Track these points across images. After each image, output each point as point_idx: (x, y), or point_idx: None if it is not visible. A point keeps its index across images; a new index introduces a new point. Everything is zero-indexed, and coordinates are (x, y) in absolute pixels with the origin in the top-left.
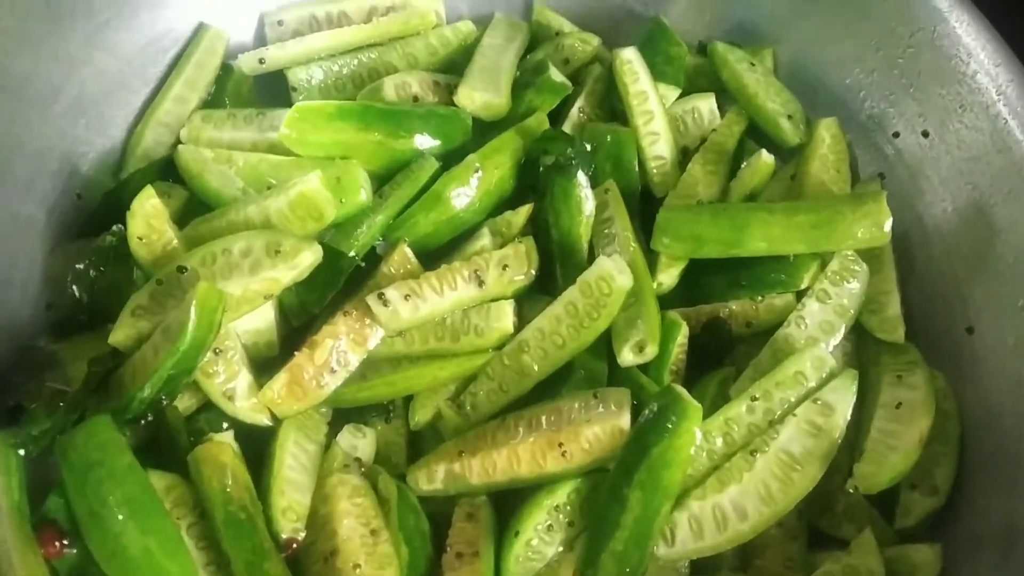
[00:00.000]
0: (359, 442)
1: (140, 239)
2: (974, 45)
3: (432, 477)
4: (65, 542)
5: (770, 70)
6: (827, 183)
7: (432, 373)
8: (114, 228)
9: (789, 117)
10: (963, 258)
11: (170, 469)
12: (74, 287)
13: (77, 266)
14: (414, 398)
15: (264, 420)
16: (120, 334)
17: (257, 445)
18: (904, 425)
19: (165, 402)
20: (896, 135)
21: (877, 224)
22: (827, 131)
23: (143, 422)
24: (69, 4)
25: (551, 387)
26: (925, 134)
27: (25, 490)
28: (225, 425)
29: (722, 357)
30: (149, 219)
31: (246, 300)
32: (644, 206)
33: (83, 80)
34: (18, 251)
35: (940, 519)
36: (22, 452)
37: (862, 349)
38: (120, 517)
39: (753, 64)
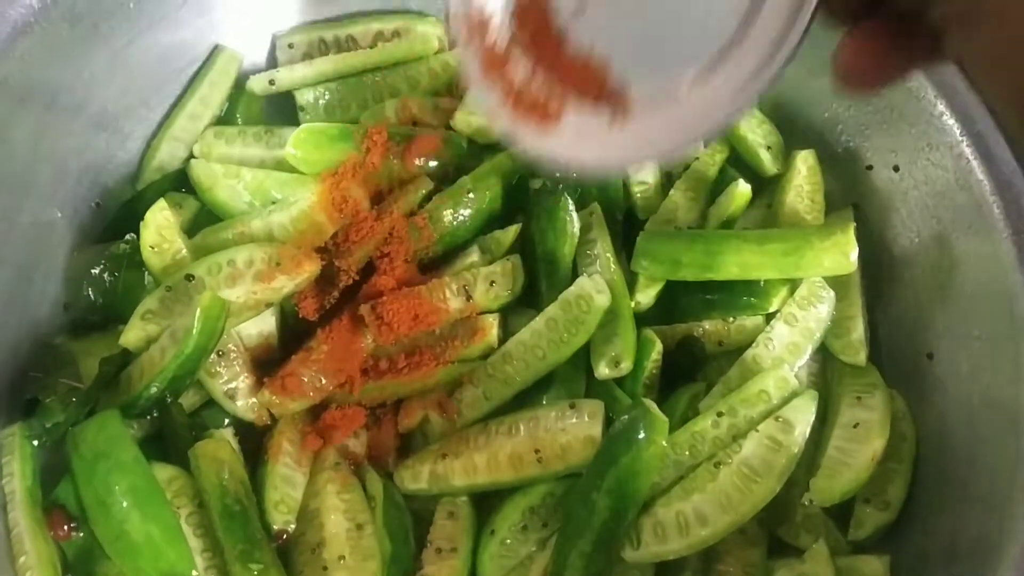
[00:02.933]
0: (351, 442)
1: (152, 248)
2: (940, 84)
3: (417, 477)
4: (73, 526)
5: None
6: (801, 212)
7: (420, 380)
8: (128, 237)
9: (768, 148)
10: (926, 287)
11: (172, 461)
12: (90, 290)
13: (93, 271)
14: (403, 403)
15: (262, 418)
16: (131, 335)
17: (255, 440)
18: (859, 444)
19: (169, 399)
20: (870, 168)
21: (844, 254)
22: (803, 163)
23: (149, 417)
24: (94, 28)
25: (531, 396)
26: (896, 169)
27: (38, 477)
28: (226, 421)
29: (694, 373)
30: (161, 229)
31: (248, 307)
32: (627, 228)
33: (105, 97)
34: (40, 253)
35: (891, 533)
36: (36, 442)
37: (827, 369)
38: (124, 505)
39: None
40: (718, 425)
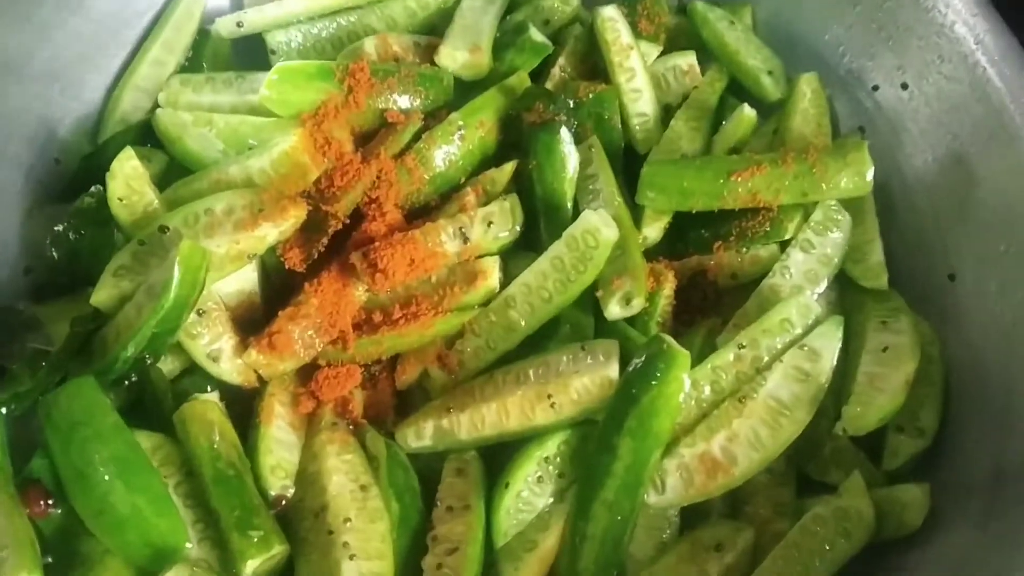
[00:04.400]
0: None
1: (120, 200)
2: None
3: (420, 434)
4: (50, 502)
5: (749, 27)
6: (808, 137)
7: (418, 332)
8: (93, 189)
9: (770, 73)
10: (944, 207)
11: (155, 430)
12: (53, 249)
13: (56, 228)
14: (400, 357)
15: (250, 381)
16: (102, 294)
17: (242, 406)
18: (890, 368)
19: (149, 361)
20: (876, 88)
21: (859, 173)
22: (808, 86)
23: (127, 383)
24: None
25: (538, 343)
26: (904, 86)
27: (7, 451)
28: (210, 388)
29: (707, 310)
30: (129, 180)
31: (230, 259)
32: (627, 163)
33: (56, 44)
34: None
35: (927, 462)
36: (4, 410)
37: (846, 297)
38: (107, 476)
39: (733, 22)
40: (740, 358)
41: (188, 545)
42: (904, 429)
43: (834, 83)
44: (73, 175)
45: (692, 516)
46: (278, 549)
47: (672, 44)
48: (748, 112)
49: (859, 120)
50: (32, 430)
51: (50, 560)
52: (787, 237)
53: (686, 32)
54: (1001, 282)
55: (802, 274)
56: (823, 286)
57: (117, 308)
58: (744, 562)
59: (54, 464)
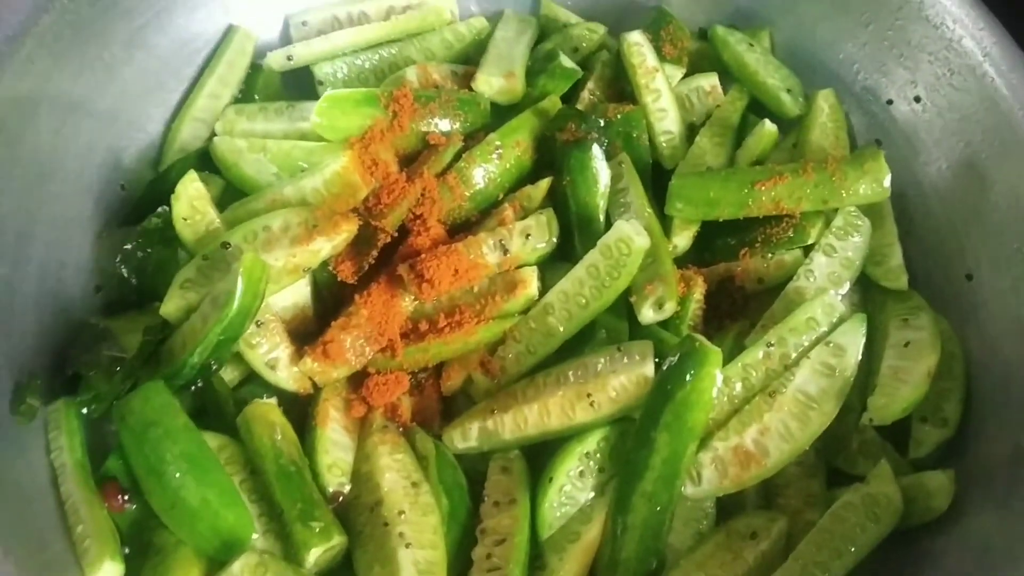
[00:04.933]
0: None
1: (184, 219)
2: (958, 12)
3: (467, 435)
4: (126, 497)
5: (767, 49)
6: (827, 149)
7: (462, 339)
8: (159, 210)
9: (788, 91)
10: (959, 210)
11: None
12: (122, 267)
13: (125, 247)
14: (445, 364)
15: (305, 388)
16: (170, 305)
17: (298, 412)
18: (913, 361)
19: (215, 368)
20: (890, 103)
21: (877, 180)
22: (825, 101)
23: (192, 388)
24: (111, 10)
25: (576, 347)
26: (917, 99)
27: (86, 451)
28: (267, 394)
29: (736, 313)
30: (192, 200)
31: (287, 272)
32: (655, 178)
33: (124, 81)
34: (70, 237)
35: (951, 451)
36: (84, 411)
37: (868, 299)
38: (178, 473)
39: (752, 44)
40: (769, 356)
41: (254, 536)
42: (928, 420)
43: (850, 99)
44: (137, 200)
45: (727, 507)
46: (338, 540)
47: (695, 67)
48: (769, 127)
49: (875, 133)
50: (105, 433)
51: (127, 551)
52: (810, 242)
53: (708, 55)
54: (1015, 280)
55: (825, 277)
56: (846, 288)
57: (184, 318)
58: (778, 549)
59: (128, 463)
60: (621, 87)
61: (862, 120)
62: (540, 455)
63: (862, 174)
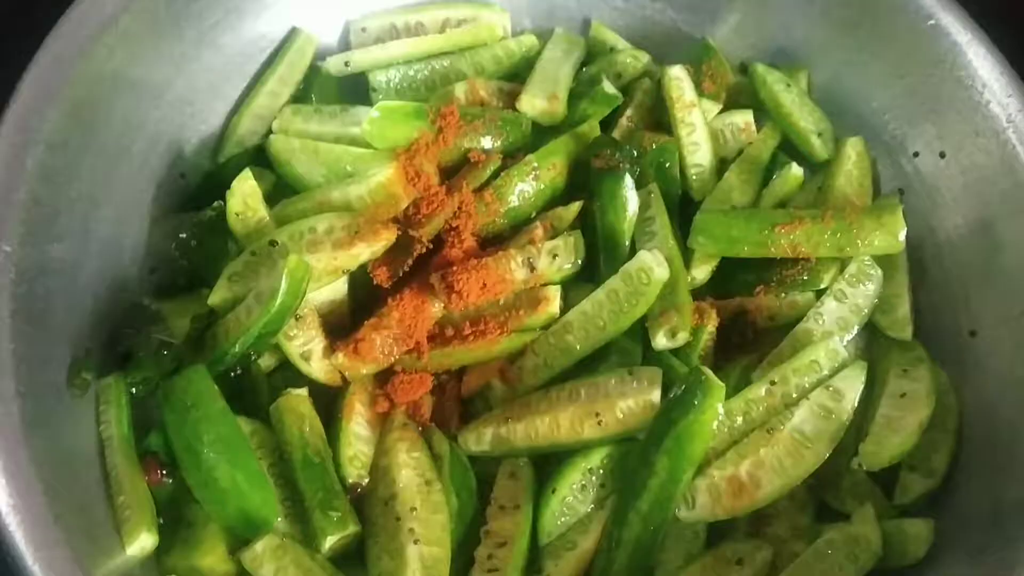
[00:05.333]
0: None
1: (237, 215)
2: (988, 77)
3: (481, 439)
4: (164, 472)
5: (804, 91)
6: (851, 196)
7: (484, 348)
8: (215, 204)
9: (819, 134)
10: (970, 268)
11: (251, 418)
12: (177, 253)
13: (180, 235)
14: (467, 369)
15: (335, 380)
16: (218, 296)
17: (327, 402)
18: (906, 412)
19: (253, 357)
20: (916, 155)
21: (892, 233)
22: (853, 149)
23: (232, 375)
24: (186, 8)
25: (591, 365)
26: (942, 155)
27: (131, 425)
28: (299, 383)
29: (746, 346)
30: (246, 197)
31: (327, 272)
32: (683, 209)
33: (192, 74)
34: (130, 219)
35: (935, 500)
36: (133, 391)
37: (873, 345)
38: (212, 454)
39: (789, 85)
40: (771, 393)
41: (277, 519)
42: (916, 469)
43: (879, 146)
44: (195, 189)
45: (718, 532)
46: (353, 529)
47: (733, 100)
48: (796, 171)
49: (899, 182)
50: (150, 409)
51: (162, 522)
52: (823, 286)
53: (746, 89)
54: (1016, 342)
55: (834, 321)
56: (853, 333)
57: (229, 309)
58: None
59: (168, 440)
60: (659, 116)
61: (888, 168)
62: (548, 464)
63: (879, 226)
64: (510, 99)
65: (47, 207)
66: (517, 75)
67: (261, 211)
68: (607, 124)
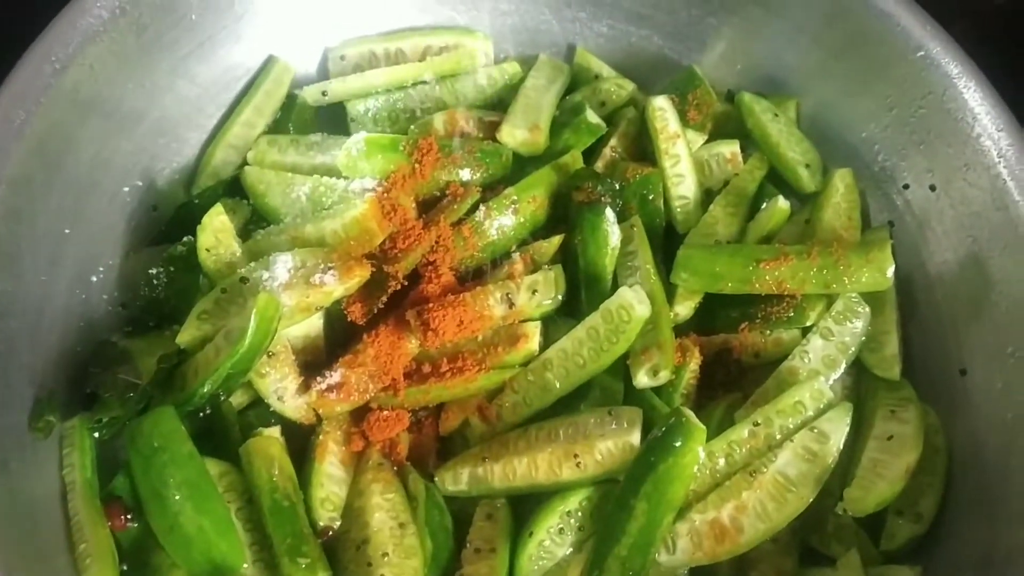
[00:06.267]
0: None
1: (208, 251)
2: (979, 110)
3: (457, 479)
4: (129, 517)
5: (793, 121)
6: (838, 229)
7: (462, 385)
8: (185, 239)
9: (807, 166)
10: (961, 304)
11: (222, 458)
12: (146, 289)
13: (150, 271)
14: (445, 407)
15: (309, 418)
16: (187, 335)
17: (300, 440)
18: (893, 456)
19: (222, 397)
20: (906, 187)
21: (881, 271)
22: (841, 181)
23: (201, 415)
24: (158, 39)
25: (570, 403)
26: (932, 188)
27: (96, 469)
28: (272, 421)
29: (730, 384)
30: (217, 233)
31: (299, 310)
32: (667, 241)
33: (165, 105)
34: (100, 254)
35: (923, 544)
36: (96, 435)
37: (861, 383)
38: (178, 498)
39: (777, 115)
40: (754, 435)
41: (244, 565)
42: (903, 514)
43: (868, 178)
44: (168, 222)
45: None
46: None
47: (719, 130)
48: (782, 204)
49: (889, 215)
50: (116, 451)
51: (125, 568)
52: (809, 324)
53: (733, 120)
54: (1007, 381)
55: (820, 359)
56: (840, 371)
57: (198, 348)
58: None
59: (134, 484)
60: (643, 145)
61: (878, 200)
62: (525, 504)
63: (867, 263)
64: (491, 129)
65: (10, 248)
66: (500, 103)
67: (233, 246)
68: (591, 153)
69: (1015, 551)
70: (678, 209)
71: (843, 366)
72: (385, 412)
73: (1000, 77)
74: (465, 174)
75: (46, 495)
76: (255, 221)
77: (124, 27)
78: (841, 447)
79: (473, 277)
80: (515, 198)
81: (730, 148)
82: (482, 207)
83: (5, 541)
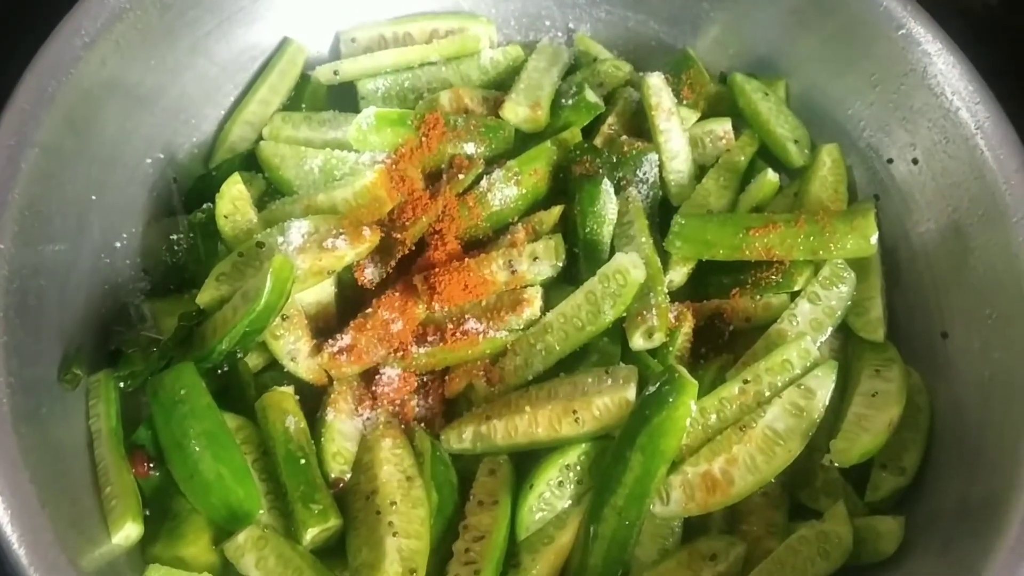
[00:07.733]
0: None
1: (226, 217)
2: (958, 84)
3: (462, 437)
4: (151, 465)
5: (782, 99)
6: (825, 201)
7: (467, 348)
8: (204, 206)
9: (796, 142)
10: (942, 271)
11: (238, 414)
12: (168, 255)
13: (171, 237)
14: (450, 369)
15: (321, 380)
16: (206, 295)
17: (313, 400)
18: (877, 411)
19: (240, 354)
20: (890, 161)
21: (864, 237)
22: (828, 156)
23: (219, 372)
24: (179, 17)
25: (570, 365)
26: (915, 161)
27: (120, 419)
28: (286, 382)
29: (722, 347)
30: (235, 200)
31: (312, 274)
32: (662, 213)
33: (185, 82)
34: (123, 222)
35: (906, 497)
36: (121, 386)
37: (847, 346)
38: (198, 448)
39: (767, 94)
40: (744, 392)
41: (260, 512)
42: (887, 467)
43: (854, 154)
44: (187, 193)
45: (693, 528)
46: (334, 522)
47: (712, 108)
48: (771, 176)
49: (875, 189)
50: (139, 404)
51: (148, 513)
52: (796, 289)
53: (725, 99)
54: (985, 342)
55: (808, 322)
56: (827, 334)
57: (217, 308)
58: (734, 572)
59: (156, 434)
60: (640, 123)
61: (864, 174)
62: (527, 461)
63: (851, 230)
64: (494, 107)
65: (41, 209)
66: (502, 85)
67: (249, 213)
68: (589, 131)
69: (989, 498)
70: (672, 183)
71: (829, 329)
72: (394, 374)
73: (998, 77)
74: (469, 148)
75: (75, 443)
76: (270, 194)
77: (148, 5)
78: (827, 402)
79: (478, 246)
80: (517, 171)
81: (722, 126)
82: (485, 179)
83: (40, 478)
